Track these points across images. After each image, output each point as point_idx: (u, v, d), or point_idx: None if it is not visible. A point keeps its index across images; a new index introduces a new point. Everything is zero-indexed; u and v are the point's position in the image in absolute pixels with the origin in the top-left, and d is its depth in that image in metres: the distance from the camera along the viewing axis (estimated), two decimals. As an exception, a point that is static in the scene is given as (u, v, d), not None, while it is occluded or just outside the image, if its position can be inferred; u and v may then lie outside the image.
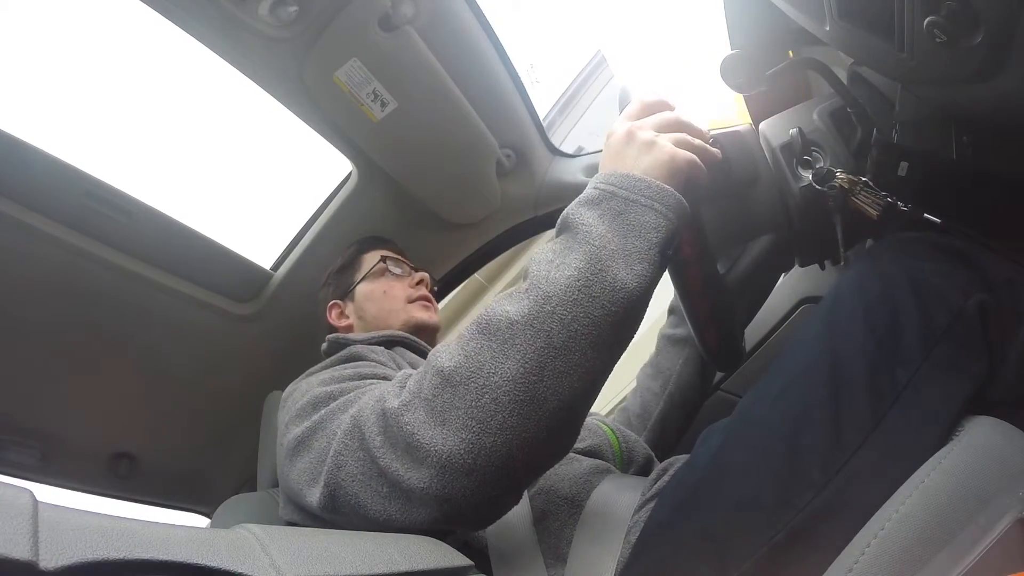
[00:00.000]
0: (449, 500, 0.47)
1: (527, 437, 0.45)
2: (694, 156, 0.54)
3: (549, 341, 0.45)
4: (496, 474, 0.46)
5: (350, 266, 1.03)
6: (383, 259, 1.01)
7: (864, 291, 0.50)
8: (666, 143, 0.53)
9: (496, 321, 0.47)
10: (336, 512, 0.54)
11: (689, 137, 0.55)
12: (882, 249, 0.54)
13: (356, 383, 0.64)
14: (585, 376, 0.47)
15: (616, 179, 0.51)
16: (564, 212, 0.52)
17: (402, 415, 0.48)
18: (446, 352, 0.49)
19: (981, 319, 0.46)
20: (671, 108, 0.58)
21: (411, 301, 0.97)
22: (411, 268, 1.04)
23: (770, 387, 0.51)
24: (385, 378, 0.66)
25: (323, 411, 0.60)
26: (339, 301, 1.00)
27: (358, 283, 1.00)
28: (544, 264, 0.49)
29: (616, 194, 0.50)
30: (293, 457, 0.61)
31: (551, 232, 0.56)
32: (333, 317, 0.99)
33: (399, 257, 1.05)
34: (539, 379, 0.45)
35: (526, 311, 0.46)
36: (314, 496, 0.55)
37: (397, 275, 1.01)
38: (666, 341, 0.93)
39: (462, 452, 0.45)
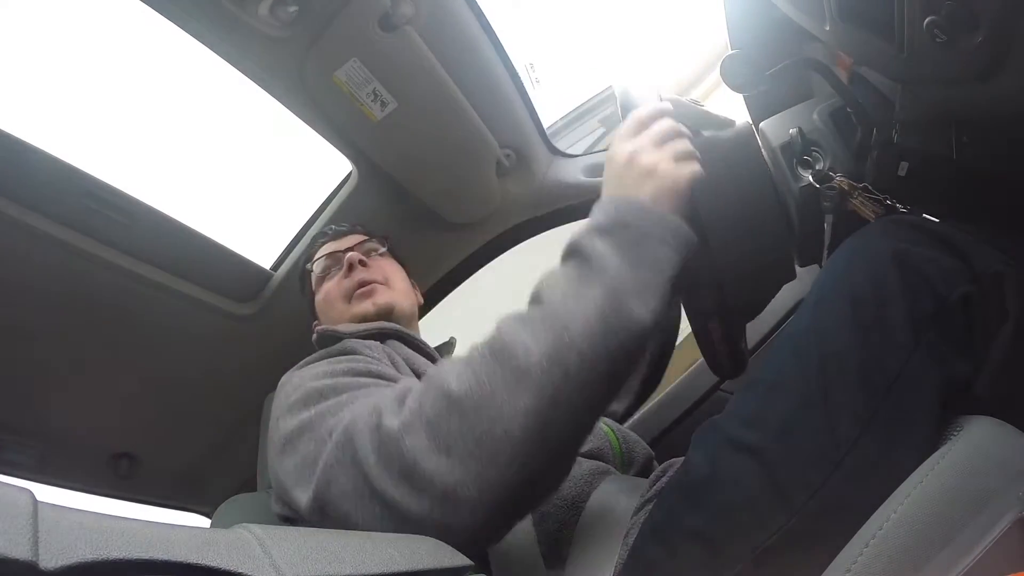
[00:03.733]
0: (447, 529, 0.45)
1: (534, 470, 0.45)
2: (695, 166, 0.53)
3: (566, 374, 0.44)
4: (499, 507, 0.45)
5: (306, 283, 1.00)
6: (306, 270, 0.97)
7: (850, 276, 0.49)
8: (668, 165, 0.52)
9: (511, 348, 0.46)
10: (324, 520, 0.52)
11: (688, 145, 0.54)
12: (868, 232, 0.53)
13: (350, 379, 0.61)
14: (595, 409, 0.47)
15: (626, 208, 0.51)
16: (574, 238, 0.51)
17: (403, 438, 0.46)
18: (454, 374, 0.47)
19: (965, 311, 0.45)
20: (668, 113, 0.56)
21: (348, 299, 0.90)
22: (341, 254, 0.94)
23: (760, 385, 0.50)
24: (380, 376, 0.64)
25: (313, 409, 0.57)
26: (317, 321, 0.97)
27: (313, 299, 0.97)
28: (559, 293, 0.48)
29: (628, 224, 0.50)
30: (281, 455, 0.58)
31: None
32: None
33: (326, 252, 0.97)
34: (554, 413, 0.44)
35: (543, 342, 0.45)
36: (301, 500, 0.53)
37: (330, 273, 0.94)
38: None
39: (467, 484, 0.43)
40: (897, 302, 0.46)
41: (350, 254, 0.92)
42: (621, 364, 0.47)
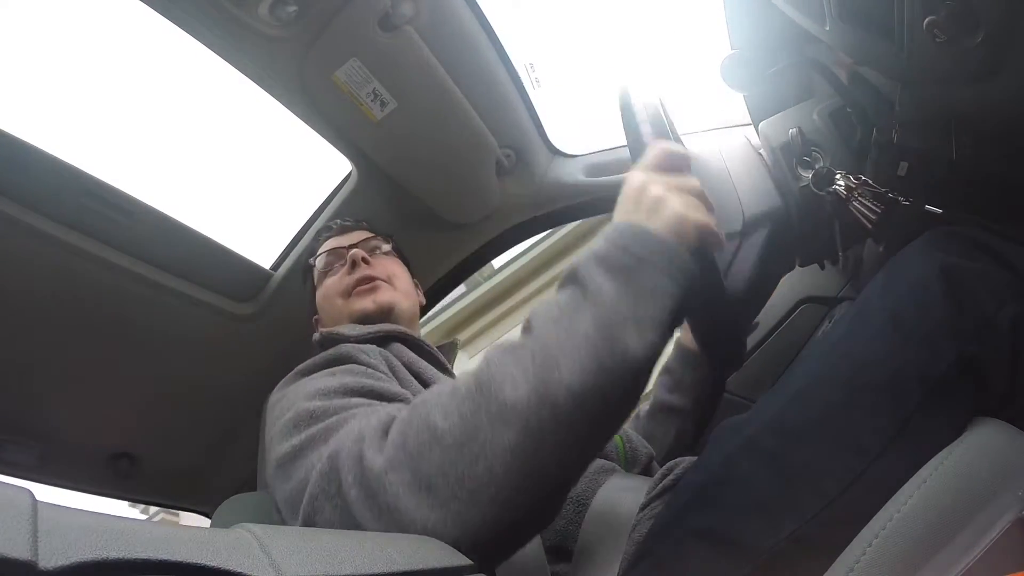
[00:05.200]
0: None
1: (517, 510, 0.43)
2: (707, 222, 0.51)
3: (555, 412, 0.42)
4: (479, 548, 0.42)
5: (308, 278, 0.99)
6: (311, 261, 0.97)
7: (893, 288, 0.48)
8: (675, 197, 0.50)
9: (498, 382, 0.44)
10: None
11: (702, 205, 0.52)
12: (918, 245, 0.51)
13: (340, 400, 0.60)
14: (586, 448, 0.45)
15: (628, 232, 0.48)
16: (573, 264, 0.49)
17: (386, 475, 0.44)
18: (439, 406, 0.45)
19: (1013, 329, 0.43)
20: (688, 165, 0.54)
21: (348, 296, 0.89)
22: (344, 250, 0.93)
23: (787, 390, 0.50)
24: (374, 392, 0.62)
25: (304, 434, 0.56)
26: (317, 315, 0.97)
27: (314, 294, 0.96)
28: (551, 324, 0.45)
29: (627, 248, 0.47)
30: (276, 478, 0.58)
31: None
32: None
33: (330, 247, 0.96)
34: (540, 451, 0.42)
35: (531, 376, 0.43)
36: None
37: (332, 270, 0.93)
38: (659, 407, 0.89)
39: (447, 523, 0.41)
40: (939, 316, 0.44)
41: (354, 251, 0.91)
42: (614, 402, 0.44)
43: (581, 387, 0.42)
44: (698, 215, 0.50)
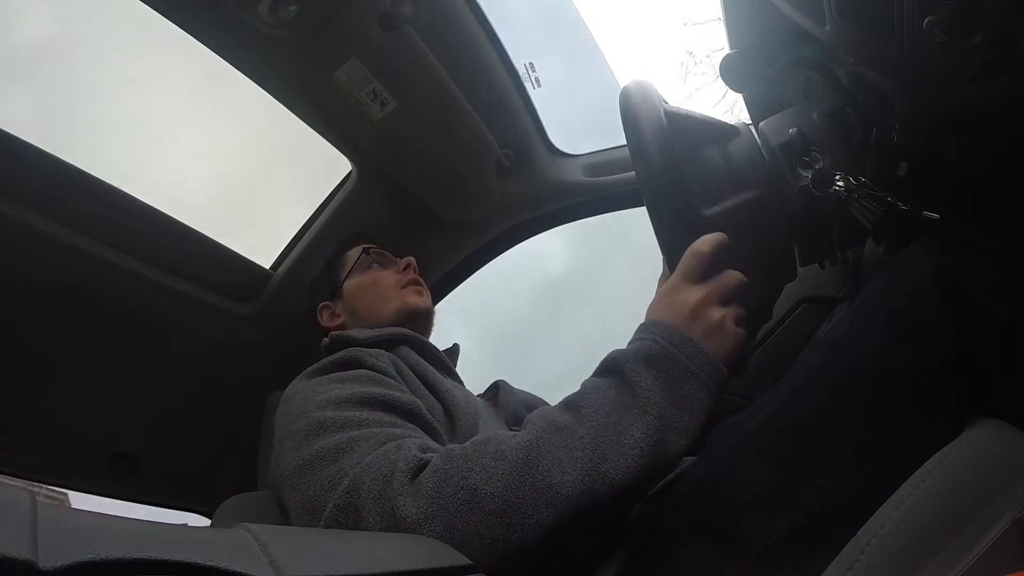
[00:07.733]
0: None
1: (540, 564, 0.47)
2: (741, 337, 0.54)
3: (595, 501, 0.46)
4: None
5: (334, 265, 1.03)
6: (366, 251, 1.02)
7: (889, 289, 0.49)
8: (731, 326, 0.53)
9: (546, 462, 0.47)
10: None
11: (743, 311, 0.55)
12: (915, 248, 0.52)
13: (351, 413, 0.61)
14: (612, 522, 0.51)
15: (677, 340, 0.51)
16: (616, 357, 0.52)
17: (419, 525, 0.46)
18: (481, 469, 0.48)
19: (1011, 329, 0.44)
20: (721, 267, 0.55)
21: (402, 287, 0.97)
22: (395, 255, 1.04)
23: (785, 387, 0.51)
24: (382, 403, 0.63)
25: (315, 447, 0.58)
26: (329, 302, 1.00)
27: (344, 280, 1.00)
28: (602, 416, 0.48)
29: (675, 357, 0.50)
30: (286, 486, 0.60)
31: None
32: (325, 319, 0.99)
33: (381, 249, 1.05)
34: (572, 530, 0.46)
35: (579, 466, 0.46)
36: None
37: (382, 265, 1.01)
38: None
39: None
40: (935, 316, 0.45)
41: (410, 257, 1.01)
42: (643, 492, 0.50)
43: (623, 483, 0.46)
44: (734, 333, 0.53)
